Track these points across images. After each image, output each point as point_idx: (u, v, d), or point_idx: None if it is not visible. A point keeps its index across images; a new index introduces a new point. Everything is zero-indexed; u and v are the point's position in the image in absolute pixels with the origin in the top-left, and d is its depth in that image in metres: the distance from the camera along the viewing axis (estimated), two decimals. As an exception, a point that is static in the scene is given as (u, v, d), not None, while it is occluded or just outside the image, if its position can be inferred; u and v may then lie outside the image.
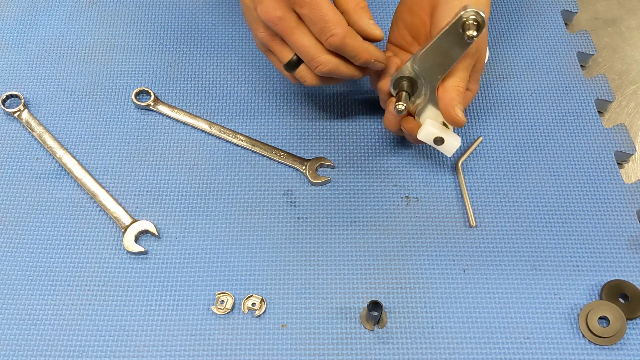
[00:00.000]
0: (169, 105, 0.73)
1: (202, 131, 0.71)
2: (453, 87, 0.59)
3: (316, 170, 0.68)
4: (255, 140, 0.70)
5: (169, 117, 0.72)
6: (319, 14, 0.55)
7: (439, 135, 0.60)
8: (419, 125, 0.61)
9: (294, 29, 0.57)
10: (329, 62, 0.58)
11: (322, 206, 0.66)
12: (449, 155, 0.62)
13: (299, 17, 0.57)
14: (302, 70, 0.60)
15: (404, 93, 0.60)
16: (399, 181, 0.68)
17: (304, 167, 0.68)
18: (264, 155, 0.69)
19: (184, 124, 0.72)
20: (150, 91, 0.73)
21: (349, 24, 0.58)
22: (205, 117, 0.72)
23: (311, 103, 0.73)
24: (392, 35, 0.67)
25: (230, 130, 0.71)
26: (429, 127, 0.60)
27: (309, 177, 0.67)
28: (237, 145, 0.70)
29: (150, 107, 0.73)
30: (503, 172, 0.69)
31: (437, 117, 0.61)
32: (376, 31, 0.59)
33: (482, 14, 0.53)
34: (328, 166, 0.68)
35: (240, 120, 0.72)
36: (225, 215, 0.66)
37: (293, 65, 0.60)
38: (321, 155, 0.69)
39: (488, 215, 0.66)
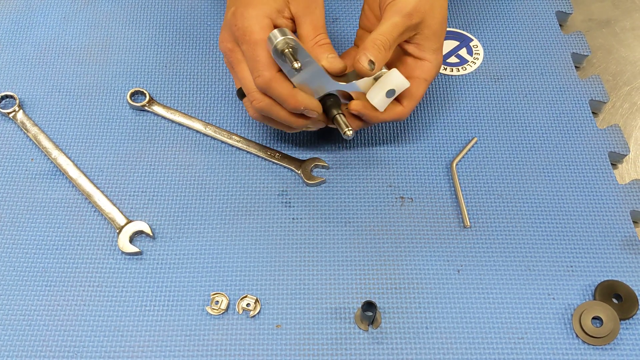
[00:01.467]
0: (164, 106, 0.73)
1: (197, 132, 0.71)
2: (369, 39, 0.59)
3: (311, 170, 0.68)
4: (250, 140, 0.70)
5: (163, 117, 0.72)
6: (252, 53, 0.58)
7: (389, 89, 0.60)
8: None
9: (239, 62, 0.60)
10: (262, 100, 0.60)
11: (317, 207, 0.66)
12: (404, 86, 0.61)
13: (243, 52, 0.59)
14: (245, 101, 0.63)
15: (339, 116, 0.61)
16: (393, 182, 0.68)
17: (298, 168, 0.68)
18: (258, 156, 0.70)
19: (179, 124, 0.72)
20: (145, 92, 0.73)
21: None
22: (200, 117, 0.72)
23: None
24: (360, 19, 0.68)
25: (225, 130, 0.71)
26: (374, 94, 0.61)
27: (304, 177, 0.67)
28: (232, 146, 0.70)
29: (145, 108, 0.73)
30: (497, 172, 0.69)
31: (367, 85, 0.62)
32: (335, 66, 0.60)
33: (292, 39, 0.55)
34: (323, 167, 0.69)
35: (235, 121, 0.72)
36: (220, 215, 0.66)
37: (240, 93, 0.62)
38: (316, 156, 0.69)
39: (482, 216, 0.66)
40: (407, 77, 0.62)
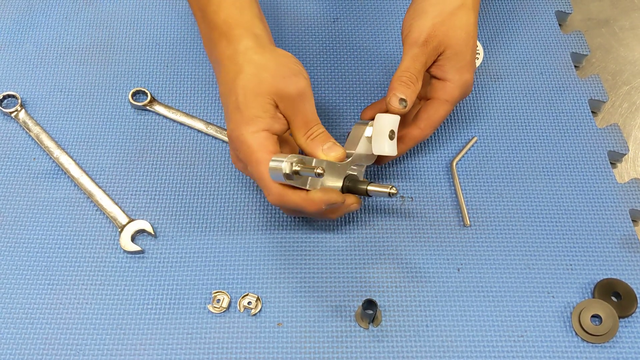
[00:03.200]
0: (166, 106, 0.73)
1: (199, 131, 0.72)
2: (395, 79, 0.60)
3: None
4: None
5: (165, 117, 0.73)
6: (256, 173, 0.56)
7: (389, 133, 0.59)
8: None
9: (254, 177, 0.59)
10: (290, 212, 0.61)
11: (318, 206, 0.67)
12: (397, 120, 0.59)
13: None
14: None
15: (371, 186, 0.59)
16: (393, 181, 0.69)
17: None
18: None
19: (180, 124, 0.72)
20: (146, 91, 0.74)
21: (308, 155, 0.58)
22: (202, 117, 0.73)
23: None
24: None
25: (226, 130, 0.71)
26: (380, 146, 0.59)
27: None
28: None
29: (147, 108, 0.73)
30: (497, 172, 0.69)
31: (367, 147, 0.61)
32: (334, 156, 0.58)
33: (293, 156, 0.54)
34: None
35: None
36: (222, 214, 0.66)
37: None
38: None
39: (482, 215, 0.66)
40: (429, 99, 0.63)
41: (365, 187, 0.59)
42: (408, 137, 0.64)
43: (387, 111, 0.60)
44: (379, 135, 0.59)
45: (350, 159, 0.60)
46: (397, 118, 0.59)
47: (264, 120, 0.56)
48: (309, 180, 0.57)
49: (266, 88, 0.56)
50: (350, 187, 0.60)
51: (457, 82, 0.62)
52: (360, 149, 0.60)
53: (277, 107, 0.57)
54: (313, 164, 0.56)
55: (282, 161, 0.53)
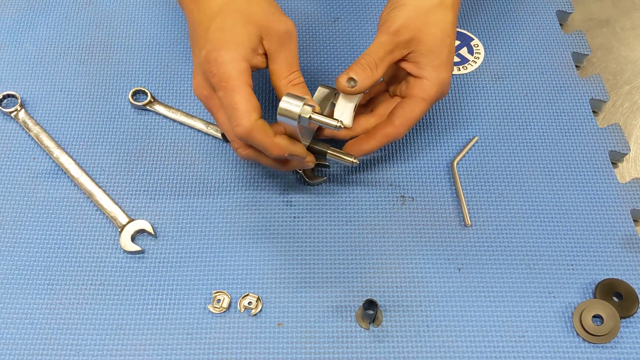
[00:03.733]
0: (166, 105, 0.73)
1: (199, 131, 0.72)
2: (356, 60, 0.60)
3: (312, 170, 0.68)
4: None
5: (165, 117, 0.73)
6: (229, 101, 0.54)
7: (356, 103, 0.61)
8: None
9: (218, 109, 0.57)
10: (245, 150, 0.58)
11: (318, 205, 0.67)
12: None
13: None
14: (230, 145, 0.61)
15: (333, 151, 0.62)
16: (394, 181, 0.68)
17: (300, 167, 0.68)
18: None
19: (181, 123, 0.72)
20: (147, 91, 0.73)
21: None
22: (202, 117, 0.72)
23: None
24: None
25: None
26: (341, 113, 0.61)
27: (305, 176, 0.67)
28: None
29: (147, 107, 0.73)
30: (498, 171, 0.69)
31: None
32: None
33: (308, 102, 0.55)
34: (324, 166, 0.69)
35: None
36: (222, 214, 0.66)
37: (225, 138, 0.61)
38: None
39: (483, 215, 0.66)
40: (405, 97, 0.62)
41: (326, 150, 0.62)
42: (381, 134, 0.62)
43: (337, 87, 0.60)
44: (342, 104, 0.60)
45: (350, 93, 0.60)
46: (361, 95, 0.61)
47: (246, 50, 0.55)
48: (302, 131, 0.58)
49: (257, 19, 0.56)
50: (313, 148, 0.62)
51: (433, 79, 0.60)
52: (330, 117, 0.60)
53: (262, 42, 0.56)
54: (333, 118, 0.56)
55: (300, 104, 0.53)
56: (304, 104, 0.54)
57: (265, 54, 0.58)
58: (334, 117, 0.60)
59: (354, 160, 0.61)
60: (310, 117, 0.55)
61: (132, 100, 0.73)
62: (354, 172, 0.69)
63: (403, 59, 0.61)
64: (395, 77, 0.65)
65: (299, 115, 0.54)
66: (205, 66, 0.55)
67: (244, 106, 0.53)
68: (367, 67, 0.59)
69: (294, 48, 0.58)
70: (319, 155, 0.63)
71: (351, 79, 0.59)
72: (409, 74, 0.62)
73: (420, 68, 0.60)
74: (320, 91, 0.63)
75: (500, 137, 0.72)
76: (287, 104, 0.54)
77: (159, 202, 0.67)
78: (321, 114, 0.56)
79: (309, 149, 0.62)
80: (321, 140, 0.64)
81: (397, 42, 0.59)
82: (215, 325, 0.60)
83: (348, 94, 0.60)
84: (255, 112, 0.54)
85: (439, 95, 0.62)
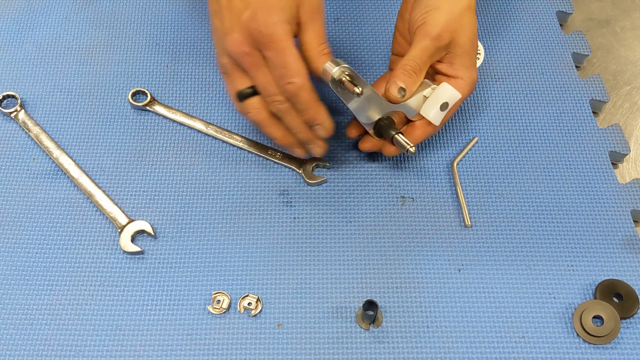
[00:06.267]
0: (165, 106, 0.73)
1: (199, 131, 0.72)
2: (399, 66, 0.61)
3: (312, 170, 0.68)
4: (251, 140, 0.70)
5: (165, 117, 0.73)
6: (282, 60, 0.56)
7: (442, 103, 0.62)
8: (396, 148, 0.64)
9: (258, 66, 0.58)
10: (284, 103, 0.59)
11: (318, 206, 0.67)
12: (456, 98, 0.62)
13: (264, 57, 0.57)
14: (251, 102, 0.60)
15: (398, 135, 0.62)
16: (394, 181, 0.68)
17: (300, 168, 0.68)
18: (260, 156, 0.70)
19: (180, 124, 0.72)
20: (146, 91, 0.73)
21: (310, 69, 0.59)
22: (202, 117, 0.72)
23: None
24: (393, 45, 0.68)
25: (226, 130, 0.71)
26: (429, 110, 0.62)
27: (305, 177, 0.67)
28: (234, 146, 0.70)
29: (147, 108, 0.73)
30: (498, 172, 0.69)
31: (419, 103, 0.63)
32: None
33: (347, 67, 0.58)
34: (324, 166, 0.69)
35: (236, 121, 0.72)
36: (222, 215, 0.66)
37: (245, 95, 0.60)
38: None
39: (483, 215, 0.66)
40: None
41: (394, 133, 0.62)
42: (421, 130, 0.65)
43: (385, 97, 0.62)
44: (433, 100, 0.62)
45: (401, 102, 0.62)
46: (458, 96, 0.62)
47: (289, 15, 0.57)
48: (351, 103, 0.60)
49: None
50: (382, 125, 0.63)
51: (468, 79, 0.63)
52: (412, 102, 0.62)
53: (298, 11, 0.58)
54: (359, 85, 0.58)
55: (334, 67, 0.58)
56: (341, 69, 0.58)
57: (299, 24, 0.59)
58: (423, 113, 0.63)
59: (412, 149, 0.61)
60: (341, 80, 0.58)
61: (131, 101, 0.73)
62: (354, 172, 0.69)
63: (438, 60, 0.63)
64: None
65: (332, 78, 0.58)
66: (252, 24, 0.56)
67: (297, 65, 0.57)
68: (413, 72, 0.61)
69: (323, 21, 0.60)
70: (384, 133, 0.63)
71: (402, 88, 0.61)
72: (441, 73, 0.64)
73: (455, 69, 0.63)
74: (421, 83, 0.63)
75: (500, 138, 0.72)
76: (328, 66, 0.58)
77: (158, 203, 0.67)
78: (355, 85, 0.58)
79: (377, 124, 0.63)
80: (392, 121, 0.64)
81: (438, 46, 0.61)
82: (215, 326, 0.60)
83: (397, 102, 0.62)
84: (306, 71, 0.57)
85: (470, 92, 0.65)
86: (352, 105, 0.61)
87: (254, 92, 0.60)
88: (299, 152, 0.64)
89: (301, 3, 0.58)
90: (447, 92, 0.62)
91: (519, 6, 0.82)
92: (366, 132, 0.65)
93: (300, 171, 0.68)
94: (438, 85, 0.62)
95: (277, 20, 0.56)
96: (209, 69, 0.76)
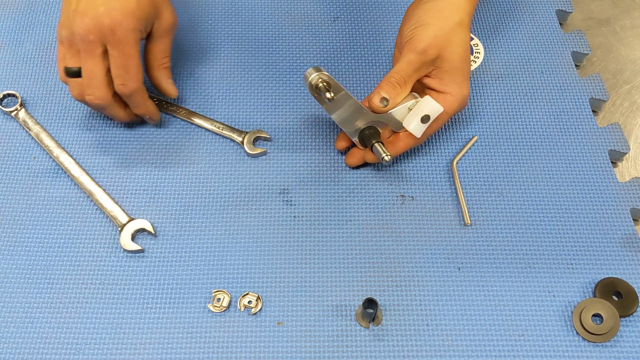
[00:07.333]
0: (166, 103, 0.73)
1: (200, 129, 0.72)
2: (384, 78, 0.63)
3: (253, 142, 0.70)
4: (195, 112, 0.73)
5: (166, 113, 0.73)
6: (124, 62, 0.62)
7: (423, 115, 0.63)
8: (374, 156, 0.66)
9: (93, 57, 0.62)
10: (103, 99, 0.64)
11: (318, 205, 0.67)
12: (438, 111, 0.63)
13: (104, 51, 0.62)
14: (75, 82, 0.64)
15: (377, 144, 0.64)
16: (394, 180, 0.69)
17: (241, 138, 0.70)
18: (206, 129, 0.71)
19: (182, 120, 0.72)
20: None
21: (149, 76, 0.68)
22: (204, 114, 0.72)
23: (309, 103, 0.74)
24: (392, 61, 0.69)
25: (219, 123, 0.71)
26: (410, 121, 0.63)
27: (246, 148, 0.69)
28: (233, 141, 0.71)
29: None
30: (498, 171, 0.69)
31: (403, 115, 0.64)
32: (172, 90, 0.69)
33: (325, 75, 0.60)
34: (265, 139, 0.70)
35: (238, 118, 0.72)
36: (222, 213, 0.66)
37: (73, 73, 0.63)
38: (318, 153, 0.70)
39: (483, 214, 0.66)
40: None
41: (374, 141, 0.64)
42: (404, 142, 0.66)
43: (369, 107, 0.63)
44: (415, 112, 0.63)
45: (383, 112, 0.63)
46: (440, 109, 0.63)
47: (144, 24, 0.63)
48: (335, 114, 0.63)
49: (157, 1, 0.64)
50: (365, 134, 0.65)
51: (457, 95, 0.64)
52: (397, 114, 0.64)
53: (152, 22, 0.64)
54: (334, 92, 0.61)
55: (313, 74, 0.60)
56: (319, 76, 0.60)
57: (149, 33, 0.65)
58: (404, 124, 0.64)
59: (387, 158, 0.62)
60: (317, 86, 0.60)
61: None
62: (354, 171, 0.69)
63: (426, 75, 0.64)
64: (412, 87, 0.66)
65: (309, 83, 0.60)
66: (107, 20, 0.60)
67: (136, 71, 0.63)
68: (397, 85, 0.62)
69: (172, 37, 0.68)
70: (367, 141, 0.65)
71: (384, 98, 0.62)
72: (430, 89, 0.65)
73: (444, 84, 0.64)
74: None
75: (499, 137, 0.72)
76: (308, 73, 0.61)
77: (159, 202, 0.67)
78: (329, 90, 0.60)
79: (362, 134, 0.65)
80: (375, 131, 0.65)
81: (424, 60, 0.62)
82: (215, 324, 0.60)
83: (380, 112, 0.63)
84: (142, 77, 0.64)
85: (460, 108, 0.66)
86: (335, 115, 0.63)
87: (79, 73, 0.63)
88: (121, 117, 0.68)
89: (158, 18, 0.65)
90: (429, 105, 0.62)
91: (519, 5, 0.82)
92: (353, 145, 0.67)
93: (242, 142, 0.70)
94: (422, 98, 0.64)
95: (132, 27, 0.61)
96: (209, 65, 0.76)
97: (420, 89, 0.66)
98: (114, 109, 0.66)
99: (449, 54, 0.62)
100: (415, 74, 0.63)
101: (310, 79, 0.60)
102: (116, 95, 0.65)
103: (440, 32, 0.62)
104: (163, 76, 0.68)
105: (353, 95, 0.62)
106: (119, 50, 0.61)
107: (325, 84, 0.60)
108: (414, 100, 0.63)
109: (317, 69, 0.60)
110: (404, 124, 0.64)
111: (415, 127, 0.63)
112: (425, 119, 0.63)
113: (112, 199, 0.66)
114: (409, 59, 0.62)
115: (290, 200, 0.67)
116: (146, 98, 0.66)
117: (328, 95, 0.59)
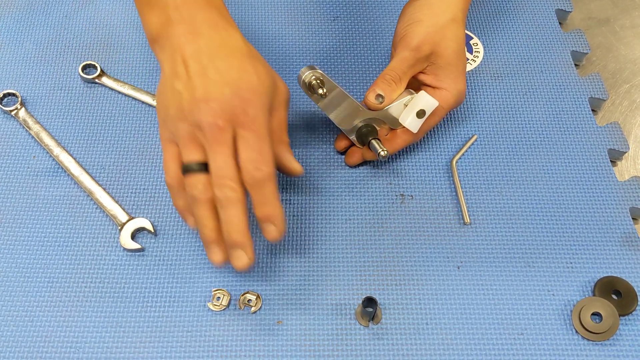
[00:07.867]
0: (166, 104, 0.73)
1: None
2: (379, 76, 0.63)
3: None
4: None
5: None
6: (259, 145, 0.53)
7: (418, 110, 0.63)
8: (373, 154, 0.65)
9: (223, 144, 0.53)
10: (236, 190, 0.53)
11: (318, 204, 0.67)
12: (433, 106, 0.63)
13: (234, 135, 0.54)
14: (198, 178, 0.54)
15: (374, 140, 0.64)
16: (393, 179, 0.69)
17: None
18: None
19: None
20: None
21: None
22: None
23: (308, 102, 0.74)
24: (391, 57, 0.68)
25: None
26: (406, 117, 0.64)
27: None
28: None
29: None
30: (497, 170, 0.69)
31: (399, 112, 0.64)
32: (297, 167, 0.59)
33: (319, 72, 0.60)
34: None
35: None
36: (221, 212, 0.66)
37: (190, 170, 0.54)
38: (316, 154, 0.70)
39: (482, 213, 0.66)
40: None
41: (371, 138, 0.64)
42: (401, 138, 0.66)
43: (365, 104, 0.64)
44: (410, 108, 0.63)
45: (379, 109, 0.63)
46: (435, 103, 0.63)
47: (269, 101, 0.56)
48: (332, 114, 0.63)
49: (272, 74, 0.58)
50: (363, 132, 0.65)
51: (452, 90, 0.64)
52: (394, 111, 0.64)
53: (274, 99, 0.57)
54: (329, 87, 0.61)
55: (307, 71, 0.60)
56: (312, 73, 0.60)
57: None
58: (400, 120, 0.64)
59: (383, 153, 0.63)
60: (309, 83, 0.61)
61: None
62: (354, 170, 0.69)
63: (422, 72, 0.64)
64: (408, 85, 0.66)
65: (302, 81, 0.61)
66: (236, 102, 0.53)
67: (271, 155, 0.54)
68: (392, 81, 0.62)
69: (288, 108, 0.60)
70: (365, 138, 0.65)
71: (379, 95, 0.62)
72: (425, 85, 0.65)
73: (439, 80, 0.64)
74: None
75: (499, 136, 0.72)
76: (302, 71, 0.61)
77: (158, 200, 0.67)
78: (321, 87, 0.60)
79: (359, 131, 0.65)
80: (373, 128, 0.65)
81: (418, 57, 0.62)
82: (215, 322, 0.60)
83: (376, 109, 0.63)
84: (274, 162, 0.55)
85: (456, 104, 0.66)
86: (333, 115, 0.63)
87: (200, 169, 0.54)
88: (216, 257, 0.56)
89: (276, 91, 0.57)
90: (424, 100, 0.63)
91: (519, 4, 0.82)
92: (352, 145, 0.68)
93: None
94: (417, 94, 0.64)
95: (262, 104, 0.54)
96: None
97: (416, 85, 0.66)
98: (238, 205, 0.54)
99: (443, 49, 0.62)
100: (410, 70, 0.63)
101: (303, 77, 0.61)
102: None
103: (433, 28, 0.62)
104: (284, 151, 0.59)
105: (350, 94, 0.62)
106: (253, 132, 0.53)
107: (318, 81, 0.60)
108: (409, 97, 0.64)
109: (311, 67, 0.61)
110: (400, 120, 0.64)
111: (411, 122, 0.63)
112: (420, 113, 0.63)
113: (112, 197, 0.66)
114: (403, 55, 0.62)
115: (290, 200, 0.67)
116: (278, 195, 0.55)
117: (320, 91, 0.60)
